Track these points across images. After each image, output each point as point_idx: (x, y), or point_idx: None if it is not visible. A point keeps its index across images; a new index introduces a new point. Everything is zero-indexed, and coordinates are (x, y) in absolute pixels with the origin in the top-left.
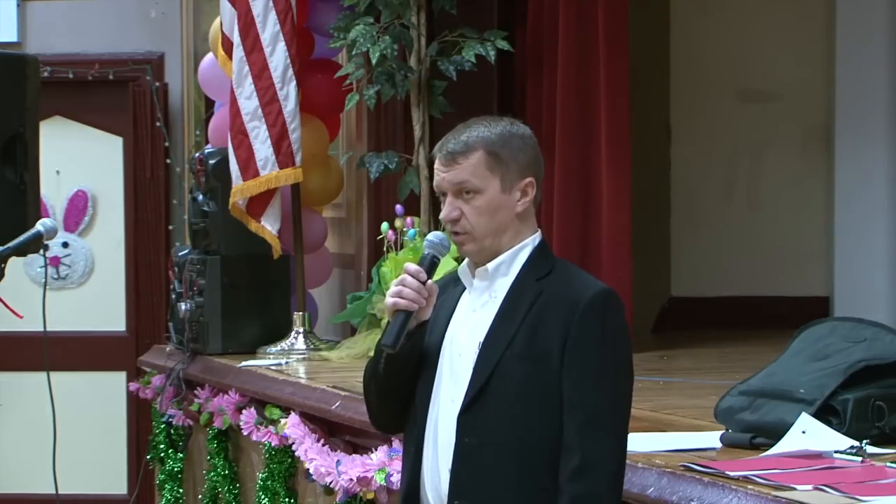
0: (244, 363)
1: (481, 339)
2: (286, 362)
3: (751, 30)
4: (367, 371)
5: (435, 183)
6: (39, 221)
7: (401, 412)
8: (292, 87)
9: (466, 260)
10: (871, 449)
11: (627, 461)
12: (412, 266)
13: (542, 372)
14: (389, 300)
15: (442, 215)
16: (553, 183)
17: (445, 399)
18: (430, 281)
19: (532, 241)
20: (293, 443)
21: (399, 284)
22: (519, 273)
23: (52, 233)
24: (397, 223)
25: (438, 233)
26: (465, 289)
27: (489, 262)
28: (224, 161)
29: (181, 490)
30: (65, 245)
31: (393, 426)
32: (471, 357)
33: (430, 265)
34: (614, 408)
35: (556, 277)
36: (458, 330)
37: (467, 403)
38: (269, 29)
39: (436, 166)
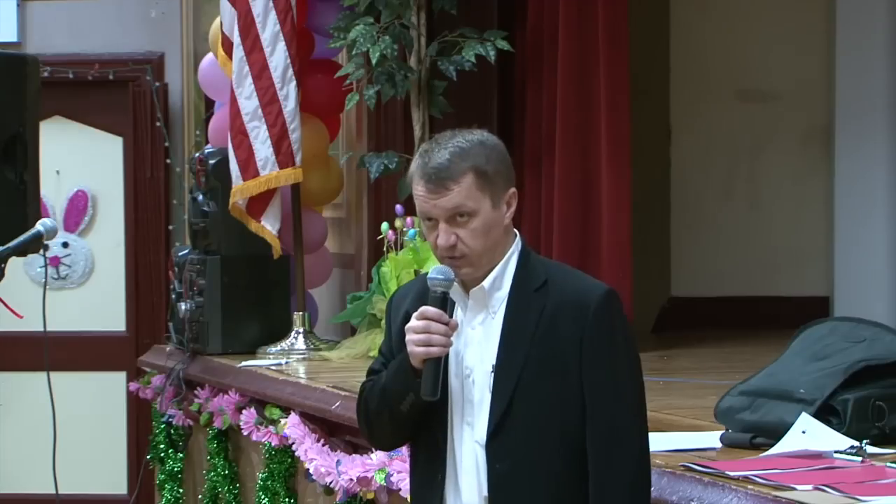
0: (244, 363)
1: (493, 362)
2: (286, 362)
3: (751, 30)
4: (374, 403)
5: (422, 209)
6: (39, 221)
7: (410, 436)
8: (292, 87)
9: None
10: (871, 449)
11: None
12: (432, 310)
13: (562, 385)
14: (419, 349)
15: (439, 243)
16: (553, 183)
17: (460, 422)
18: (452, 320)
19: (515, 246)
20: (293, 443)
21: (424, 332)
22: (512, 284)
23: (52, 233)
24: (397, 223)
25: (439, 266)
26: (453, 304)
27: (483, 279)
28: (224, 161)
29: (181, 490)
30: (65, 245)
31: (395, 447)
32: (483, 379)
33: (444, 303)
34: (636, 407)
35: (554, 286)
36: (461, 348)
37: (493, 430)
38: (269, 29)
39: (419, 192)
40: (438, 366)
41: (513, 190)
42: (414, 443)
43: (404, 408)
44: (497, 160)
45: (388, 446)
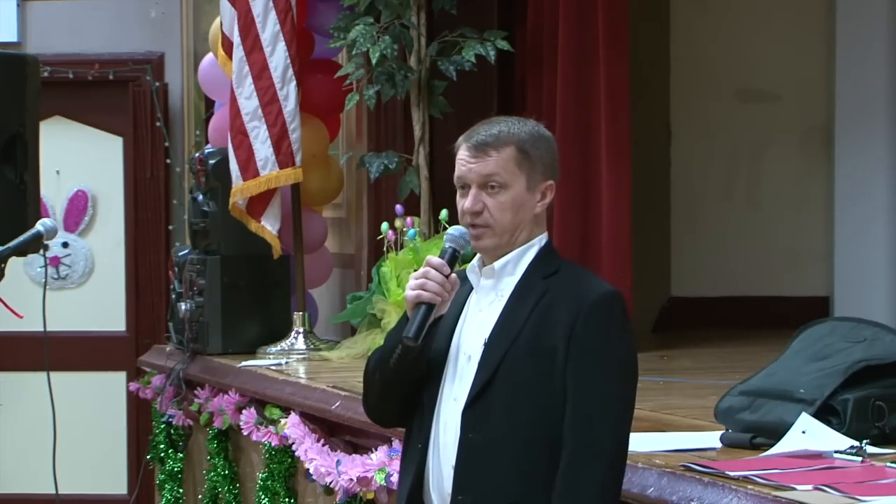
0: (244, 363)
1: (486, 337)
2: (286, 362)
3: (751, 30)
4: (372, 362)
5: (458, 174)
6: (39, 221)
7: (400, 408)
8: (292, 87)
9: (476, 258)
10: (871, 449)
11: (628, 461)
12: (435, 259)
13: (547, 368)
14: (411, 293)
15: (465, 206)
16: None
17: (448, 398)
18: (453, 274)
19: (539, 241)
20: (293, 443)
21: (422, 277)
22: (525, 272)
23: (52, 233)
24: (397, 223)
25: (459, 227)
26: (472, 288)
27: (498, 259)
28: (224, 161)
29: (181, 490)
30: (65, 245)
31: (389, 421)
32: (476, 356)
33: (452, 258)
34: (614, 405)
35: (563, 277)
36: (465, 331)
37: (472, 399)
38: (269, 29)
39: (461, 156)
40: (427, 313)
41: (551, 183)
42: (410, 418)
43: (393, 361)
44: (543, 148)
45: (375, 414)
